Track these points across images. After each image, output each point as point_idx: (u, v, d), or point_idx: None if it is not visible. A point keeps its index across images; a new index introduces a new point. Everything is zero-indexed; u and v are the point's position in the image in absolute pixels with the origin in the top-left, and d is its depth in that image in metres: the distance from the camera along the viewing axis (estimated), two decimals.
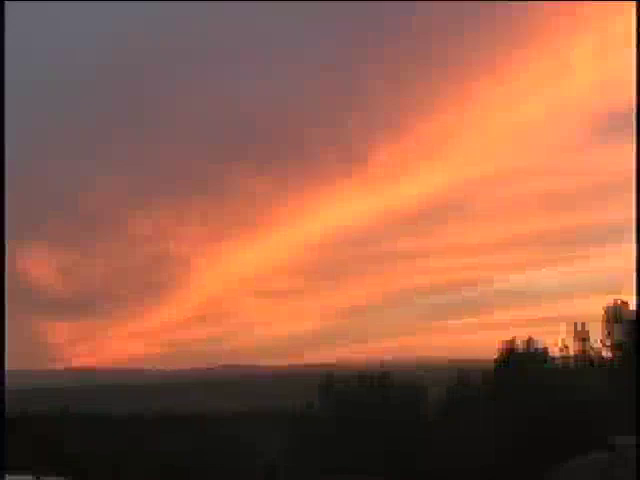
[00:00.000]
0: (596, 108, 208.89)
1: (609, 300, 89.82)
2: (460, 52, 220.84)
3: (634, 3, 64.12)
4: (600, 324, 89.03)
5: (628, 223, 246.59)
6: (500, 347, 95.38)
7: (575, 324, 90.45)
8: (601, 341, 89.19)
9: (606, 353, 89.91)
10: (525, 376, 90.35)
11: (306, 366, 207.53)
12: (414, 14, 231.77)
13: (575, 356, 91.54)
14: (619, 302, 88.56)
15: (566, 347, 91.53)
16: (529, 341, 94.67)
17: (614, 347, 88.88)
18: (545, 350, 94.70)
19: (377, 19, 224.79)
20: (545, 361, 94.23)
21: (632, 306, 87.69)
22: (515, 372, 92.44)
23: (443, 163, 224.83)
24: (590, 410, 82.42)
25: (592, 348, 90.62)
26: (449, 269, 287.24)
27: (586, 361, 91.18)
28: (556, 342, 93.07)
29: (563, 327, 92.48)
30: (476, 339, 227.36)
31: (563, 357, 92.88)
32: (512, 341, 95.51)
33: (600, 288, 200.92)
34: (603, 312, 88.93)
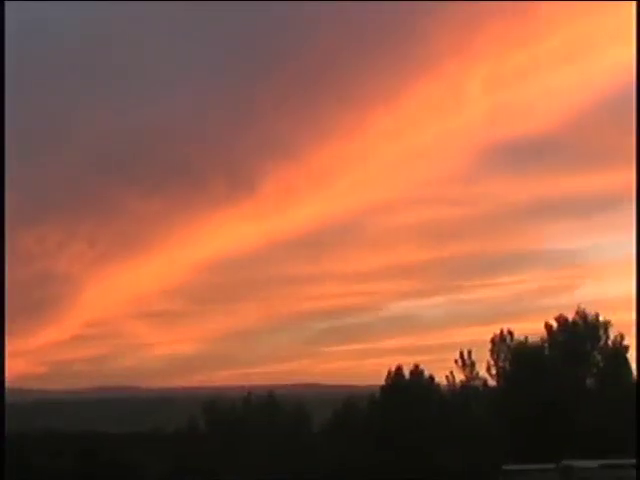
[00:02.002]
0: (485, 139, 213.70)
1: (495, 330, 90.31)
2: (354, 80, 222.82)
3: (634, 3, 64.58)
4: (486, 353, 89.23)
5: (514, 254, 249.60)
6: (387, 374, 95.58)
7: (461, 353, 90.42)
8: (487, 370, 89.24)
9: (492, 381, 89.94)
10: (410, 405, 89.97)
11: (191, 388, 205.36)
12: (309, 40, 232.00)
13: (461, 384, 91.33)
14: (505, 331, 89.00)
15: (452, 375, 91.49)
16: (415, 369, 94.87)
17: (499, 375, 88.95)
18: (431, 378, 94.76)
19: (270, 43, 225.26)
20: (431, 389, 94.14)
21: (517, 335, 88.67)
22: (400, 399, 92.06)
23: (332, 190, 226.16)
24: (473, 438, 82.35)
25: (478, 376, 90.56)
26: (337, 295, 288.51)
27: (471, 389, 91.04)
28: (443, 370, 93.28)
29: (450, 355, 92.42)
30: (363, 365, 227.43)
31: (449, 385, 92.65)
32: (399, 368, 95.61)
33: (487, 318, 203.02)
34: (489, 341, 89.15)
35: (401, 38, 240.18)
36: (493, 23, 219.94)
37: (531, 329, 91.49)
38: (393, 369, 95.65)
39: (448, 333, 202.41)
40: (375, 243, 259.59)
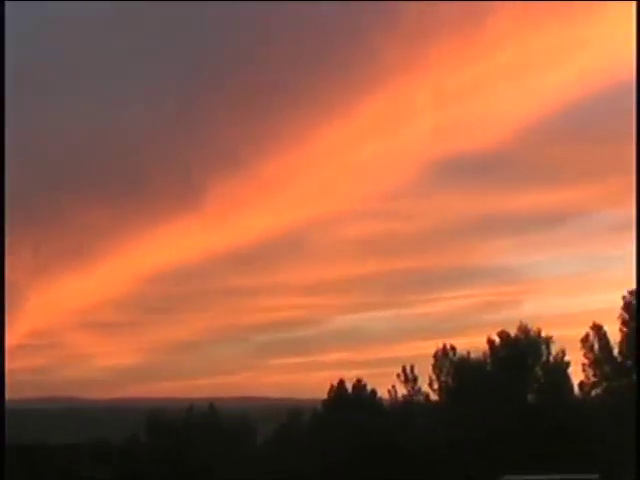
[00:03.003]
0: (432, 154, 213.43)
1: (438, 344, 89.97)
2: (302, 93, 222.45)
3: (634, 3, 64.40)
4: (429, 368, 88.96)
5: (457, 270, 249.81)
6: (329, 388, 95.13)
7: (404, 367, 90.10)
8: (429, 384, 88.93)
9: (434, 396, 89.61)
10: (352, 418, 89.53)
11: (135, 400, 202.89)
12: (258, 52, 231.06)
13: (403, 398, 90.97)
14: (447, 346, 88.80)
15: (394, 389, 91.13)
16: (358, 383, 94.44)
17: (441, 390, 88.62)
18: (374, 392, 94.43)
19: (219, 56, 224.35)
20: (373, 403, 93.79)
21: (459, 350, 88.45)
22: (342, 413, 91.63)
23: (277, 203, 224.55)
24: (414, 451, 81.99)
25: (420, 391, 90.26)
26: (281, 308, 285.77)
27: (414, 404, 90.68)
28: (385, 384, 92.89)
29: (393, 370, 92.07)
30: (306, 379, 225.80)
31: (391, 399, 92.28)
32: (341, 382, 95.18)
33: (430, 332, 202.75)
34: (432, 356, 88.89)
35: (351, 51, 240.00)
36: (443, 39, 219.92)
37: (473, 344, 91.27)
38: (335, 383, 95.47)
39: (392, 347, 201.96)
40: (320, 256, 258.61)
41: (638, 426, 64.21)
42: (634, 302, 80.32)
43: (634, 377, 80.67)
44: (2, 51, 62.05)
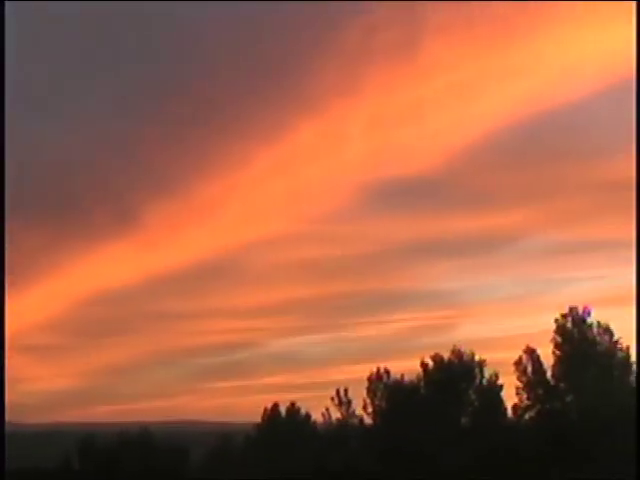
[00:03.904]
0: (369, 178, 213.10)
1: (372, 368, 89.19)
2: (241, 115, 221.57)
3: (634, 3, 64.12)
4: (363, 391, 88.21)
5: (393, 293, 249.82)
6: (263, 411, 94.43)
7: (338, 390, 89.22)
8: (363, 408, 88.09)
9: (368, 419, 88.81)
10: (285, 442, 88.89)
11: (68, 424, 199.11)
12: (197, 74, 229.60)
13: (337, 422, 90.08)
14: (382, 370, 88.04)
15: (328, 413, 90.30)
16: (292, 406, 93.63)
17: (375, 413, 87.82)
18: (308, 416, 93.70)
19: (157, 78, 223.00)
20: (307, 427, 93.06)
21: (393, 374, 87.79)
22: (275, 436, 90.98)
23: (215, 225, 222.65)
24: (346, 475, 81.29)
25: (354, 414, 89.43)
26: (218, 331, 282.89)
27: (348, 427, 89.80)
28: (320, 408, 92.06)
29: (328, 393, 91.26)
30: (242, 402, 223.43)
31: (325, 423, 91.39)
32: (275, 406, 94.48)
33: (366, 356, 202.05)
34: (366, 379, 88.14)
35: (289, 75, 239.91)
36: (379, 64, 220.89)
37: (408, 368, 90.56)
38: (269, 406, 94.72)
39: (327, 370, 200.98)
40: (257, 279, 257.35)
41: (638, 426, 64.10)
42: (568, 325, 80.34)
43: (567, 399, 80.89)
44: (2, 51, 61.99)
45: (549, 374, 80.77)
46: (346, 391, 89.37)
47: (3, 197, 59.53)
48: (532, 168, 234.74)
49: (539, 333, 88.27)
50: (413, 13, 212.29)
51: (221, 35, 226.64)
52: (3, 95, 62.58)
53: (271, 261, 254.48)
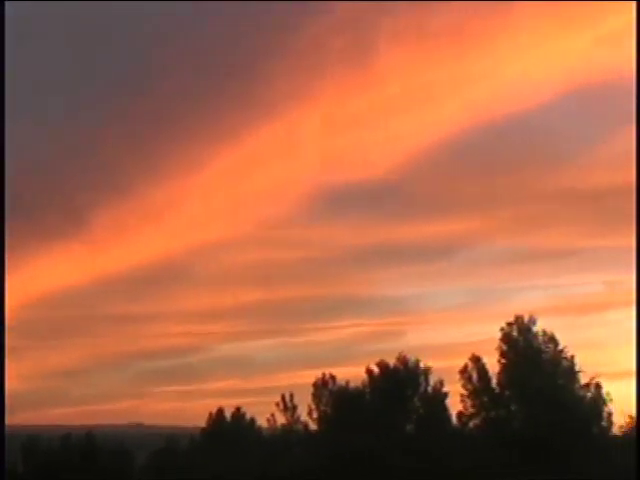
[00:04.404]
0: (322, 183, 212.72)
1: (318, 374, 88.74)
2: (194, 119, 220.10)
3: (634, 3, 63.85)
4: (309, 397, 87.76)
5: (343, 299, 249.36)
6: (208, 416, 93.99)
7: (283, 396, 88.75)
8: (308, 413, 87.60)
9: (313, 425, 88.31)
10: (229, 447, 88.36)
11: (13, 426, 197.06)
12: (152, 77, 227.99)
13: (282, 427, 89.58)
14: (327, 376, 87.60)
15: (274, 418, 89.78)
16: (237, 411, 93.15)
17: (320, 419, 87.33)
18: (252, 421, 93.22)
19: (112, 79, 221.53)
20: (252, 432, 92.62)
21: (339, 380, 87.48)
22: (220, 441, 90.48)
23: (164, 228, 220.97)
24: None
25: (299, 420, 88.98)
26: (167, 335, 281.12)
27: (293, 433, 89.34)
28: (266, 413, 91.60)
29: (273, 399, 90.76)
30: (188, 407, 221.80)
31: (271, 428, 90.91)
32: (220, 411, 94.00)
33: (313, 361, 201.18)
34: (312, 385, 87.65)
35: (243, 78, 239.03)
36: (334, 68, 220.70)
37: (354, 374, 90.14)
38: (214, 411, 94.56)
39: (274, 376, 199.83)
40: (207, 283, 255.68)
41: (638, 427, 63.98)
42: (513, 333, 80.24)
43: (512, 407, 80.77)
44: (2, 51, 61.75)
45: (494, 382, 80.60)
46: (291, 397, 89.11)
47: (3, 197, 59.48)
48: (487, 175, 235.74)
49: (486, 341, 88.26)
50: (369, 18, 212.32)
51: (176, 37, 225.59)
52: (3, 95, 62.64)
53: (222, 265, 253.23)
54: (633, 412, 75.66)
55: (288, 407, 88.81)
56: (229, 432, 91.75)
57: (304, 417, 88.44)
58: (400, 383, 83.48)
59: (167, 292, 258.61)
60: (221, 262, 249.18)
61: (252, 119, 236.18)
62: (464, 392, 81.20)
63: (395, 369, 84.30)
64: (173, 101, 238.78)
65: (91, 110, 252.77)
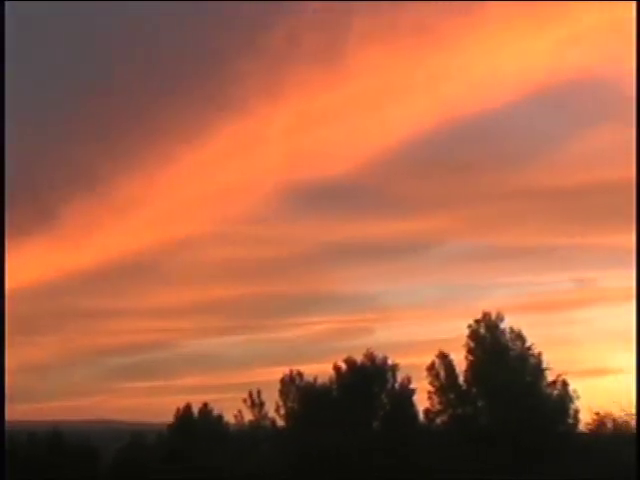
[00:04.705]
0: (289, 181, 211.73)
1: (286, 370, 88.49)
2: (162, 114, 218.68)
3: (634, 3, 63.59)
4: (276, 393, 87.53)
5: (311, 296, 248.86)
6: (176, 412, 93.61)
7: (250, 392, 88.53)
8: (276, 410, 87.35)
9: (280, 421, 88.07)
10: (196, 443, 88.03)
11: None
12: (117, 73, 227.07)
13: (250, 424, 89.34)
14: (294, 372, 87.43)
15: (241, 414, 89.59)
16: (204, 407, 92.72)
17: (288, 416, 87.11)
18: (220, 417, 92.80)
19: (77, 74, 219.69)
20: (219, 428, 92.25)
21: (306, 376, 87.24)
22: (187, 437, 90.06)
23: (133, 224, 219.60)
24: (258, 478, 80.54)
25: (267, 416, 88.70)
26: (134, 331, 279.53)
27: (260, 429, 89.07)
28: (233, 409, 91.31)
29: (241, 395, 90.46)
30: (157, 403, 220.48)
31: (238, 424, 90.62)
32: (188, 406, 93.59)
33: (281, 358, 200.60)
34: (279, 382, 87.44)
35: (213, 75, 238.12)
36: (301, 66, 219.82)
37: (321, 370, 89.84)
38: (182, 407, 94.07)
39: (243, 372, 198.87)
40: (175, 279, 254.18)
41: (638, 427, 63.94)
42: (481, 330, 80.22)
43: (479, 404, 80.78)
44: (2, 51, 61.36)
45: (461, 379, 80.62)
46: (259, 393, 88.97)
47: (3, 197, 59.19)
48: (455, 173, 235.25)
49: (453, 338, 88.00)
50: (337, 16, 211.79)
51: (144, 33, 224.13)
52: (3, 95, 62.33)
53: (189, 261, 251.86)
54: (600, 409, 75.90)
55: (255, 403, 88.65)
56: (196, 428, 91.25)
57: (272, 413, 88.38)
58: (367, 380, 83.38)
59: (135, 288, 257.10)
60: (190, 258, 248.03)
61: (221, 116, 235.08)
62: (431, 389, 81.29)
63: (362, 366, 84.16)
64: (142, 98, 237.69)
65: (60, 107, 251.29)
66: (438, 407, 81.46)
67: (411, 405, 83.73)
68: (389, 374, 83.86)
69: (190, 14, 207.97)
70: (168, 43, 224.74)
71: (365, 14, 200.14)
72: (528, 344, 79.37)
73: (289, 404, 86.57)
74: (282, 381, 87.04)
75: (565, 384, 78.49)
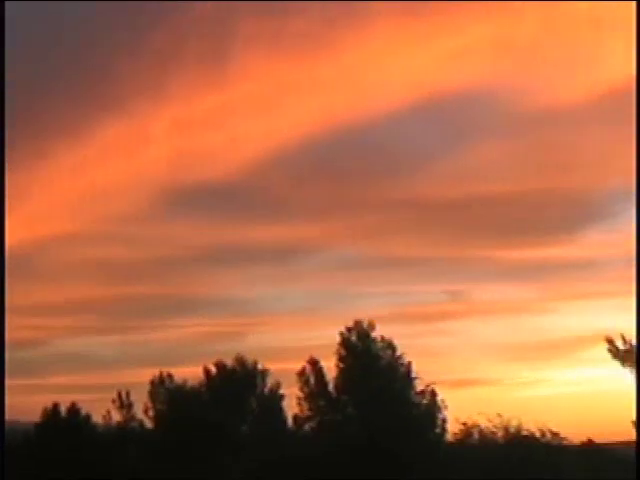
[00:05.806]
0: (169, 182, 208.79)
1: (156, 372, 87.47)
2: (38, 112, 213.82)
3: (634, 3, 63.09)
4: (145, 395, 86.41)
5: (186, 299, 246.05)
6: (43, 411, 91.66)
7: (119, 393, 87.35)
8: (144, 412, 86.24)
9: (149, 423, 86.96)
10: (64, 442, 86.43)
11: None
12: (9, 67, 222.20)
13: (118, 425, 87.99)
14: (164, 374, 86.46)
15: (109, 415, 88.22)
16: (72, 407, 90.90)
17: (157, 418, 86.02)
18: (88, 417, 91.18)
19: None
20: (86, 428, 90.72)
21: (176, 379, 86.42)
22: (56, 437, 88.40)
23: (10, 220, 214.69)
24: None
25: (135, 418, 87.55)
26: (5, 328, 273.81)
27: (128, 430, 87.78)
28: (102, 410, 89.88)
29: (110, 395, 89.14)
30: (25, 401, 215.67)
31: (106, 425, 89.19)
32: (55, 406, 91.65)
33: (153, 359, 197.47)
34: (148, 383, 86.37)
35: (96, 75, 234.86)
36: (187, 69, 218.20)
37: (192, 373, 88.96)
38: (50, 406, 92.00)
39: (113, 373, 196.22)
40: (47, 277, 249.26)
41: (638, 428, 63.82)
42: (352, 338, 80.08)
43: (348, 411, 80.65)
44: (2, 51, 59.30)
45: (331, 386, 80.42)
46: (127, 394, 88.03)
47: (3, 191, 57.93)
48: (334, 181, 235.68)
49: (325, 345, 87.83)
50: (226, 18, 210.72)
51: (28, 32, 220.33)
52: (3, 95, 60.86)
53: (64, 259, 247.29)
54: (468, 420, 76.31)
55: (124, 404, 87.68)
56: (63, 428, 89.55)
57: (140, 415, 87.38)
58: (237, 383, 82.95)
59: (8, 285, 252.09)
60: (63, 256, 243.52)
61: (102, 115, 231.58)
62: (301, 395, 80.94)
63: (232, 369, 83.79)
64: (21, 93, 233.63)
65: None
66: (307, 413, 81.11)
67: (280, 410, 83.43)
68: (259, 379, 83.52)
69: (74, 12, 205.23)
70: (50, 40, 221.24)
71: (252, 17, 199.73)
72: (398, 353, 79.55)
73: (158, 406, 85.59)
74: (152, 383, 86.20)
75: (434, 394, 78.73)
